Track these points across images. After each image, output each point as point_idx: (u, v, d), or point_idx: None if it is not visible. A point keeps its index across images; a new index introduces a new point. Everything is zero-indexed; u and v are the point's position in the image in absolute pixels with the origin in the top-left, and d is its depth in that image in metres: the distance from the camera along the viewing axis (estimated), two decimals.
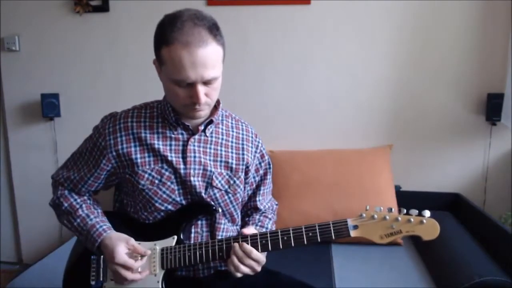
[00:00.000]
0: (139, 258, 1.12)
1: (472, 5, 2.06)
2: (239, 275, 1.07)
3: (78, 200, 1.22)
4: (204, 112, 1.12)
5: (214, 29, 1.05)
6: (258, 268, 1.09)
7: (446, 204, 2.14)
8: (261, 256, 1.09)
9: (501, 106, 2.03)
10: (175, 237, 1.14)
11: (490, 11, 2.05)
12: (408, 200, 2.09)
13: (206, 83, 1.06)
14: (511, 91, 1.96)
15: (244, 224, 1.28)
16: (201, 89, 1.05)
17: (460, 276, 1.49)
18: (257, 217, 1.29)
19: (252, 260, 1.07)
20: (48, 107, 2.38)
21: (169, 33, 1.02)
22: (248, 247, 1.07)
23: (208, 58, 1.02)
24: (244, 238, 1.08)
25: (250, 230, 1.12)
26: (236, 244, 1.08)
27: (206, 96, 1.07)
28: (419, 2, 2.09)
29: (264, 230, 1.25)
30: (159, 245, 1.14)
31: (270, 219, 1.32)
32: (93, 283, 1.16)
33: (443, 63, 2.13)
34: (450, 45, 2.11)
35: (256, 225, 1.26)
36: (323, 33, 2.19)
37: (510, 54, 1.98)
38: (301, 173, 2.06)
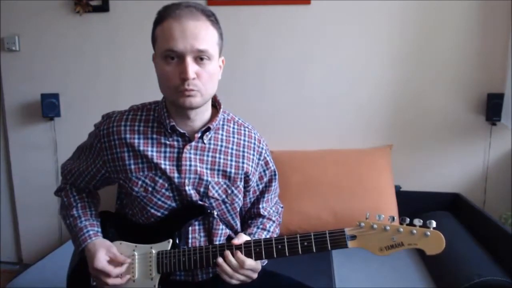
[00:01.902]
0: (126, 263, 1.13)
1: (472, 5, 2.06)
2: (234, 282, 1.05)
3: (76, 197, 1.24)
4: (195, 99, 1.04)
5: (209, 13, 1.04)
6: (254, 275, 1.08)
7: (446, 204, 2.13)
8: (255, 264, 1.06)
9: (501, 106, 2.03)
10: (170, 240, 1.12)
11: (490, 11, 2.05)
12: (408, 200, 2.10)
13: (197, 60, 1.01)
14: (511, 91, 1.96)
15: (247, 227, 1.25)
16: (191, 64, 1.00)
17: (460, 276, 1.49)
18: (260, 219, 1.27)
19: (247, 270, 1.05)
20: (48, 107, 2.38)
21: (162, 14, 1.03)
22: (241, 257, 1.04)
23: (199, 32, 1.00)
24: (238, 246, 1.06)
25: (240, 239, 1.08)
26: (229, 253, 1.05)
27: (197, 78, 1.02)
28: (419, 2, 2.09)
29: (265, 232, 1.23)
30: (155, 248, 1.13)
31: (273, 221, 1.28)
32: (94, 283, 1.17)
33: (443, 63, 2.13)
34: (450, 45, 2.11)
35: (258, 227, 1.24)
36: (323, 33, 2.19)
37: (510, 54, 1.98)
38: (301, 173, 2.06)
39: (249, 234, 1.20)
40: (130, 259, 1.13)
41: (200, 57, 1.02)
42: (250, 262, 1.05)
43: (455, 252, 1.65)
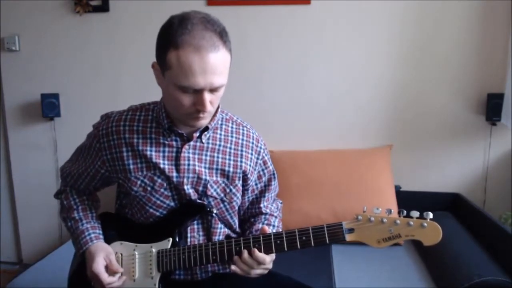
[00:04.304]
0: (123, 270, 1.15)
1: (472, 5, 2.06)
2: (252, 276, 1.07)
3: (77, 200, 1.24)
4: (206, 120, 1.09)
5: (224, 35, 1.00)
6: (270, 266, 1.09)
7: (446, 204, 2.14)
8: (269, 258, 1.07)
9: (501, 106, 2.02)
10: (170, 239, 1.13)
11: (490, 11, 2.05)
12: (408, 200, 2.10)
13: (213, 90, 1.01)
14: (511, 91, 1.96)
15: (250, 226, 1.26)
16: (207, 97, 1.00)
17: (460, 276, 1.49)
18: (263, 216, 1.28)
19: (262, 265, 1.06)
20: (48, 107, 2.38)
21: (178, 36, 0.96)
22: (261, 255, 1.05)
23: (218, 64, 0.98)
24: (237, 241, 1.07)
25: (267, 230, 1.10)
26: (246, 252, 1.05)
27: (210, 104, 1.02)
28: (419, 2, 2.09)
29: (271, 227, 1.25)
30: (155, 247, 1.13)
31: (276, 217, 1.30)
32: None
33: (443, 63, 2.13)
34: (450, 45, 2.11)
35: (263, 223, 1.25)
36: (323, 33, 2.19)
37: (510, 54, 1.98)
38: (301, 173, 2.06)
39: (256, 231, 1.21)
40: (122, 269, 1.14)
41: (215, 89, 1.02)
42: (263, 257, 1.05)
43: (455, 252, 1.65)
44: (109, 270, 1.12)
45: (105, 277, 1.10)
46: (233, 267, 1.06)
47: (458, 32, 2.09)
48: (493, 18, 2.05)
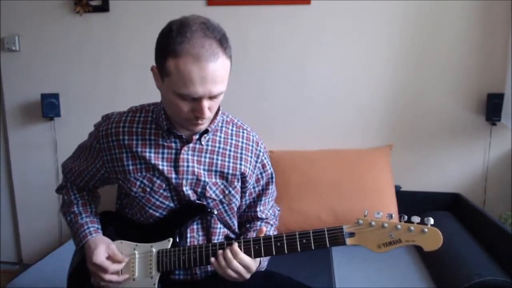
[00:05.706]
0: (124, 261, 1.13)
1: (472, 5, 2.06)
2: (226, 277, 1.04)
3: (77, 195, 1.26)
4: (204, 125, 1.09)
5: (224, 42, 0.98)
6: (246, 275, 1.06)
7: (446, 204, 2.14)
8: (250, 261, 1.05)
9: (501, 106, 2.02)
10: (171, 239, 1.13)
11: (490, 11, 2.05)
12: (408, 200, 2.10)
13: (212, 97, 1.01)
14: (511, 91, 1.96)
15: (245, 231, 1.26)
16: (206, 104, 1.00)
17: (460, 276, 1.49)
18: (258, 223, 1.27)
19: (240, 265, 1.03)
20: (48, 107, 2.38)
21: (177, 44, 0.94)
22: (236, 249, 1.04)
23: (217, 73, 0.97)
24: (237, 243, 1.07)
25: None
26: (228, 251, 1.05)
27: (208, 110, 1.02)
28: (419, 3, 2.09)
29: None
30: (155, 247, 1.14)
31: (271, 225, 1.29)
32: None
33: (443, 63, 2.13)
34: (450, 45, 2.11)
35: (256, 232, 1.23)
36: (323, 33, 2.19)
37: (510, 54, 1.98)
38: (301, 173, 2.06)
39: None
40: (127, 258, 1.13)
41: (215, 96, 1.02)
42: (244, 256, 1.04)
43: (455, 252, 1.65)
44: (113, 260, 1.11)
45: (108, 264, 1.09)
46: (212, 259, 1.06)
47: (458, 32, 2.09)
48: (493, 18, 2.05)
